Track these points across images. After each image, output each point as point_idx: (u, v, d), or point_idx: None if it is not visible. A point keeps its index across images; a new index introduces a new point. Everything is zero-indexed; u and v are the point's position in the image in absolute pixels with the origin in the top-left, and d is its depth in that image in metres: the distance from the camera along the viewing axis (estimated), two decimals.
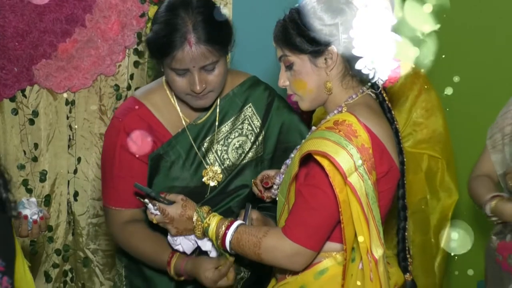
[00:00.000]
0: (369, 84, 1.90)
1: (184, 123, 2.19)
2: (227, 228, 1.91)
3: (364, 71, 1.82)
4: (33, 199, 2.06)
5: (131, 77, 3.20)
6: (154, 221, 1.99)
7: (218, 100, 2.21)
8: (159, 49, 2.01)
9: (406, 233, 1.97)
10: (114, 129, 2.17)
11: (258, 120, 2.24)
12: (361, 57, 1.80)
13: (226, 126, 2.22)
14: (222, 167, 2.21)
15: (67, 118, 3.16)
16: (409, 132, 2.70)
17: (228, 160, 2.22)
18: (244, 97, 2.24)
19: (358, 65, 1.81)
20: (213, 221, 1.93)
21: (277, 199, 2.04)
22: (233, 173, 2.21)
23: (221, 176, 2.21)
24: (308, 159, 1.82)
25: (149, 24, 3.13)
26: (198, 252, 2.09)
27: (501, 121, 2.38)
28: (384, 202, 1.86)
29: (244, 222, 1.95)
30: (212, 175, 2.20)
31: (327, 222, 1.82)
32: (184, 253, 2.06)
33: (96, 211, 3.22)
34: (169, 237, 2.03)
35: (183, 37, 1.97)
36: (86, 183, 3.20)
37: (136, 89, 3.19)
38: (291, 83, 1.91)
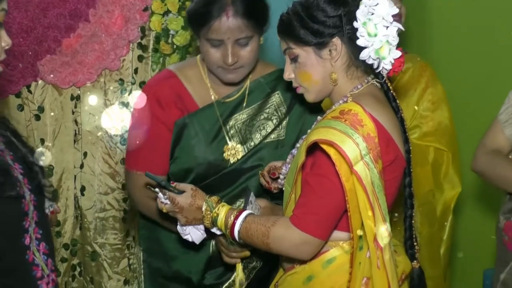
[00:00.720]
0: (374, 74, 1.91)
1: (213, 98, 2.24)
2: (236, 217, 1.91)
3: (368, 61, 1.84)
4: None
5: (135, 71, 3.20)
6: (164, 210, 2.00)
7: (248, 82, 2.26)
8: (198, 19, 2.10)
9: (413, 221, 1.98)
10: (144, 96, 2.24)
11: (284, 107, 2.29)
12: (365, 47, 1.81)
13: (253, 109, 2.27)
14: (243, 146, 2.25)
15: (73, 113, 3.17)
16: (415, 125, 2.72)
17: (250, 139, 2.26)
18: (273, 85, 2.29)
19: (362, 55, 1.82)
20: (222, 211, 1.94)
21: (283, 189, 2.05)
22: (252, 151, 2.25)
23: (241, 154, 2.25)
24: (314, 148, 1.82)
25: (154, 18, 3.15)
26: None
27: None
28: (390, 190, 1.87)
29: (252, 212, 1.97)
30: (233, 152, 2.24)
31: (334, 211, 1.83)
32: (193, 242, 2.08)
33: (103, 205, 3.24)
34: (178, 227, 2.05)
35: (221, 8, 2.05)
36: (93, 178, 3.21)
37: (140, 83, 3.21)
38: (296, 76, 1.92)
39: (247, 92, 2.27)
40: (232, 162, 2.24)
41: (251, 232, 1.89)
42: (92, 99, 3.19)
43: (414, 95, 2.74)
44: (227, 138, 2.24)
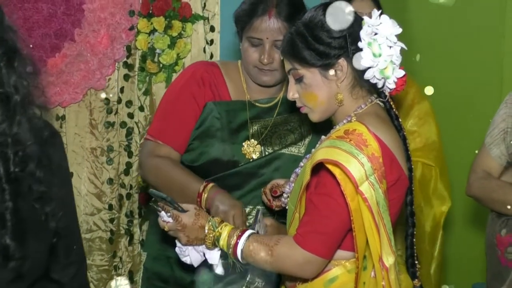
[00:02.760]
0: (376, 93, 1.93)
1: (246, 98, 2.34)
2: (239, 237, 1.90)
3: (373, 81, 1.85)
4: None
5: (121, 90, 3.19)
6: (166, 229, 1.99)
7: (281, 94, 2.36)
8: (242, 16, 2.23)
9: (414, 239, 1.99)
10: (184, 72, 2.41)
11: (307, 126, 2.35)
12: (369, 67, 1.82)
13: (280, 118, 2.36)
14: (262, 147, 2.32)
15: None
16: None
17: (269, 144, 2.33)
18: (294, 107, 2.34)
19: (367, 75, 1.84)
20: (225, 230, 1.93)
21: (286, 207, 2.05)
22: (269, 156, 2.32)
23: (258, 154, 2.32)
24: (319, 168, 1.83)
25: (140, 37, 3.13)
26: (206, 265, 2.10)
27: (497, 118, 2.44)
28: (393, 210, 1.88)
29: (255, 231, 1.96)
30: (251, 150, 2.32)
31: (338, 230, 1.83)
32: (191, 265, 2.06)
33: (90, 226, 3.20)
34: (177, 248, 2.03)
35: (265, 8, 2.19)
36: (79, 198, 3.17)
37: (127, 102, 3.19)
38: (301, 96, 1.93)
39: (279, 102, 2.35)
40: (248, 158, 2.30)
41: (254, 251, 1.88)
42: (78, 119, 3.17)
43: (401, 112, 2.76)
44: (249, 135, 2.32)
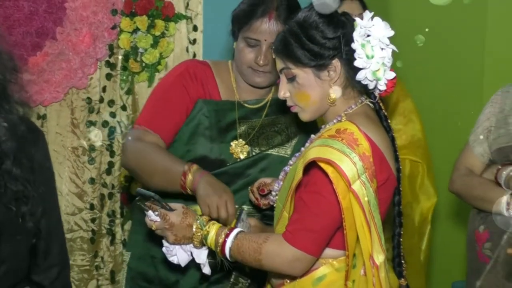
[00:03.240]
0: (366, 93, 1.95)
1: (236, 98, 2.35)
2: (227, 235, 1.91)
3: (365, 82, 1.87)
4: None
5: (103, 89, 3.17)
6: (153, 227, 1.98)
7: (270, 96, 2.37)
8: (241, 16, 2.23)
9: (401, 239, 2.02)
10: (177, 67, 2.41)
11: (294, 128, 2.37)
12: (362, 69, 1.84)
13: (267, 119, 2.36)
14: (250, 147, 2.33)
15: None
16: None
17: (257, 144, 2.33)
18: (281, 109, 2.36)
19: (359, 77, 1.85)
20: (213, 228, 1.93)
21: (274, 205, 2.06)
22: (256, 156, 2.32)
23: (246, 154, 2.32)
24: (309, 166, 1.84)
25: (122, 36, 3.12)
26: (193, 264, 2.10)
27: (482, 117, 2.48)
28: (382, 209, 1.89)
29: (243, 230, 1.97)
30: (239, 150, 2.32)
31: (328, 228, 1.84)
32: (178, 265, 2.07)
33: (71, 226, 3.18)
34: (164, 248, 2.03)
35: (266, 10, 2.19)
36: (60, 198, 3.14)
37: (109, 102, 3.17)
38: (292, 95, 1.93)
39: (268, 104, 2.37)
40: (235, 158, 2.31)
41: (242, 249, 1.89)
42: (59, 118, 3.15)
43: (386, 110, 2.81)
44: (237, 135, 2.32)
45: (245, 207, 2.27)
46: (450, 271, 3.24)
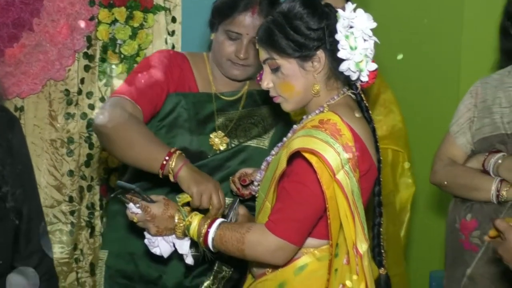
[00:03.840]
0: (348, 85, 1.97)
1: (212, 90, 2.35)
2: (209, 226, 1.92)
3: (347, 73, 1.89)
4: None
5: (82, 81, 3.15)
6: (135, 220, 1.98)
7: (246, 88, 2.39)
8: (224, 8, 2.23)
9: (381, 229, 2.04)
10: (162, 51, 2.41)
11: (270, 120, 2.39)
12: (345, 60, 1.86)
13: (244, 111, 2.37)
14: (229, 139, 2.33)
15: None
16: None
17: (235, 136, 2.34)
18: (263, 99, 2.39)
19: (342, 68, 1.88)
20: (195, 219, 1.94)
21: (256, 195, 2.07)
22: (236, 148, 2.32)
23: (225, 146, 2.32)
24: (292, 156, 1.85)
25: (101, 27, 3.10)
26: (176, 255, 2.10)
27: (462, 107, 2.49)
28: (363, 199, 1.91)
29: (226, 220, 1.98)
30: (218, 142, 2.32)
31: (310, 218, 1.86)
32: (161, 256, 2.07)
33: (49, 219, 3.15)
34: (146, 240, 2.03)
35: (249, 4, 2.21)
36: (39, 191, 3.09)
37: (87, 93, 3.16)
38: (276, 86, 1.94)
39: (244, 96, 2.37)
40: (215, 149, 2.30)
41: (225, 239, 1.90)
42: (37, 110, 3.12)
43: (368, 101, 2.84)
44: (215, 127, 2.32)
45: (227, 199, 2.28)
46: (428, 260, 3.29)
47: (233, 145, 2.33)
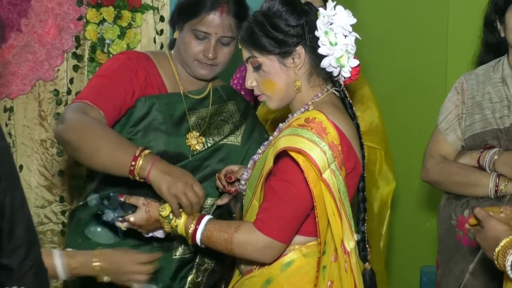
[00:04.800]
0: (332, 82, 1.99)
1: (180, 89, 2.30)
2: (197, 225, 1.93)
3: (329, 69, 1.91)
4: None
5: (71, 81, 3.15)
6: (123, 229, 1.99)
7: (211, 86, 2.36)
8: (191, 7, 2.18)
9: (365, 224, 2.06)
10: (123, 52, 2.38)
11: (238, 115, 2.37)
12: (325, 56, 1.88)
13: (213, 109, 2.34)
14: (205, 138, 2.30)
15: (6, 125, 3.08)
16: None
17: (209, 134, 2.31)
18: (228, 95, 2.39)
19: (323, 63, 1.89)
20: (180, 222, 1.95)
21: (243, 193, 2.08)
22: (213, 148, 2.30)
23: (202, 145, 2.28)
24: (279, 155, 1.87)
25: (89, 27, 3.10)
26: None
27: (449, 104, 2.50)
28: (350, 196, 1.93)
29: (212, 217, 1.97)
30: (195, 142, 2.28)
31: (298, 216, 1.88)
32: (159, 238, 2.07)
33: (40, 219, 3.17)
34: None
35: (217, 3, 2.17)
36: (29, 191, 3.13)
37: (76, 93, 3.16)
38: (259, 84, 1.96)
39: (210, 93, 2.35)
40: (192, 150, 2.27)
41: (213, 239, 1.92)
42: (26, 111, 3.12)
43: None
44: (190, 127, 2.28)
45: (209, 199, 2.26)
46: (418, 256, 3.31)
47: (209, 144, 2.30)
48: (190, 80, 2.31)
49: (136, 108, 2.22)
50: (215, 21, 2.17)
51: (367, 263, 2.04)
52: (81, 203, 2.29)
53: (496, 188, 2.34)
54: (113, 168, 2.02)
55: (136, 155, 1.96)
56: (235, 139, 2.35)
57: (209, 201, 2.26)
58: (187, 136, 2.27)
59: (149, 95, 2.23)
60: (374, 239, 2.89)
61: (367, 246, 2.05)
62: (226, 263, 2.29)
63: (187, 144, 2.27)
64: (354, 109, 2.01)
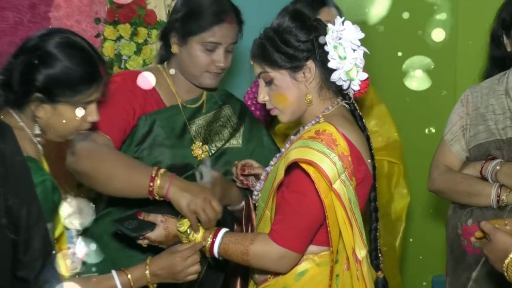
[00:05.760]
0: (342, 95, 2.04)
1: (179, 101, 2.36)
2: (213, 242, 1.98)
3: (339, 83, 1.97)
4: (74, 232, 2.04)
5: None
6: (144, 245, 2.04)
7: (205, 93, 2.41)
8: (198, 21, 2.24)
9: (378, 234, 2.11)
10: (118, 74, 2.38)
11: (235, 118, 2.44)
12: (335, 70, 1.94)
13: (210, 116, 2.41)
14: (209, 145, 2.37)
15: None
16: None
17: (212, 141, 2.38)
18: (223, 99, 2.45)
19: (333, 77, 1.96)
20: (198, 236, 2.01)
21: (256, 204, 2.14)
22: (217, 153, 2.37)
23: (207, 153, 2.35)
24: (290, 167, 1.92)
25: (106, 44, 3.18)
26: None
27: (454, 116, 2.56)
28: (361, 206, 1.98)
29: (228, 230, 2.03)
30: (200, 152, 2.34)
31: (311, 226, 1.94)
32: None
33: None
34: None
35: (223, 13, 2.26)
36: None
37: None
38: (271, 98, 2.02)
39: (205, 101, 2.41)
40: (199, 160, 2.32)
41: (229, 252, 1.98)
42: None
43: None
44: (193, 137, 2.34)
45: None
46: (429, 265, 3.34)
47: (213, 151, 2.36)
48: (186, 90, 2.37)
49: (139, 126, 2.27)
50: (225, 31, 2.25)
51: (379, 271, 2.09)
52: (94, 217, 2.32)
53: (498, 198, 2.39)
54: (131, 191, 2.05)
55: (153, 175, 2.00)
56: (236, 142, 2.42)
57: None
58: (191, 147, 2.33)
59: (149, 112, 2.28)
60: (390, 255, 2.93)
61: (379, 255, 2.10)
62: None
63: (194, 155, 2.33)
64: (364, 121, 2.06)
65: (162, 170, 2.03)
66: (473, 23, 2.63)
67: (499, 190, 2.40)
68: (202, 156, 2.34)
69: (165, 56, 2.39)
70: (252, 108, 2.81)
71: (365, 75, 1.98)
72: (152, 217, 2.03)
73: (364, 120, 2.07)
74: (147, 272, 1.97)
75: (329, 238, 1.90)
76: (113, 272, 1.97)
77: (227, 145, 2.40)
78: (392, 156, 2.90)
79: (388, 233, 2.89)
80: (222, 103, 2.44)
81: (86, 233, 2.33)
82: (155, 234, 2.01)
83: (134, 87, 2.27)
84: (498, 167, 2.40)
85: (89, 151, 2.07)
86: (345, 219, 1.88)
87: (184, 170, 2.28)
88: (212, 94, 2.43)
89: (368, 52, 1.97)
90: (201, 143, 2.35)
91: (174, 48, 2.31)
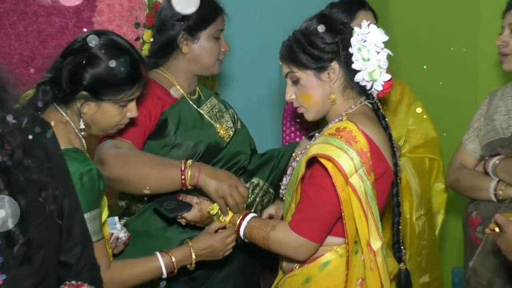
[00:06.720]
0: (365, 95, 2.13)
1: (184, 95, 2.50)
2: (240, 222, 2.17)
3: (362, 83, 2.07)
4: (116, 219, 2.20)
5: None
6: (183, 224, 2.25)
7: (197, 86, 2.58)
8: (209, 14, 2.46)
9: (400, 227, 2.19)
10: None
11: (222, 105, 2.60)
12: (359, 71, 2.04)
13: (209, 103, 2.56)
14: (227, 126, 2.52)
15: None
16: (404, 139, 2.97)
17: (224, 122, 2.53)
18: (207, 91, 2.62)
19: (357, 78, 2.06)
20: (227, 219, 2.20)
21: (283, 198, 2.26)
22: (235, 134, 2.53)
23: (230, 131, 2.52)
24: (313, 161, 2.03)
25: (145, 46, 3.32)
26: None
27: (473, 118, 2.74)
28: (381, 199, 2.08)
29: (255, 215, 2.19)
30: (223, 131, 2.50)
31: (328, 218, 2.04)
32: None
33: None
34: None
35: (218, 4, 2.50)
36: None
37: None
38: (297, 97, 2.14)
39: (199, 92, 2.56)
40: (226, 139, 2.48)
41: (253, 236, 2.13)
42: None
43: (401, 112, 2.98)
44: (212, 122, 2.49)
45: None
46: (450, 257, 3.42)
47: (231, 132, 2.52)
48: (186, 84, 2.52)
49: (169, 117, 2.39)
50: (222, 19, 2.49)
51: (402, 263, 2.19)
52: (132, 216, 2.43)
53: (495, 192, 2.55)
54: (164, 187, 2.19)
55: (183, 168, 2.16)
56: (237, 124, 2.58)
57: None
58: (216, 129, 2.48)
59: (164, 111, 2.39)
60: (431, 249, 3.00)
61: (402, 247, 2.19)
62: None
63: (220, 135, 2.48)
64: (386, 120, 2.14)
65: (189, 161, 2.18)
66: (495, 24, 2.69)
67: (496, 185, 2.55)
68: (225, 135, 2.48)
69: (156, 63, 2.52)
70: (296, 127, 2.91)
71: (388, 76, 2.06)
72: (189, 199, 2.22)
73: (387, 120, 2.15)
74: (192, 252, 2.14)
75: (344, 230, 1.99)
76: (157, 253, 2.12)
77: (238, 126, 2.57)
78: (432, 153, 3.00)
79: (432, 229, 2.98)
80: (209, 93, 2.61)
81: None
82: (191, 215, 2.21)
83: (150, 90, 2.31)
84: (497, 162, 2.56)
85: (117, 158, 2.17)
86: (361, 212, 1.96)
87: (218, 149, 2.44)
88: (200, 86, 2.61)
89: (391, 54, 2.06)
90: (218, 125, 2.49)
91: (185, 49, 2.46)
